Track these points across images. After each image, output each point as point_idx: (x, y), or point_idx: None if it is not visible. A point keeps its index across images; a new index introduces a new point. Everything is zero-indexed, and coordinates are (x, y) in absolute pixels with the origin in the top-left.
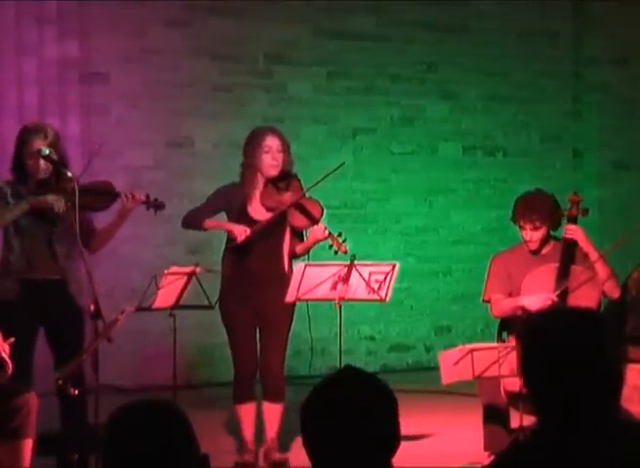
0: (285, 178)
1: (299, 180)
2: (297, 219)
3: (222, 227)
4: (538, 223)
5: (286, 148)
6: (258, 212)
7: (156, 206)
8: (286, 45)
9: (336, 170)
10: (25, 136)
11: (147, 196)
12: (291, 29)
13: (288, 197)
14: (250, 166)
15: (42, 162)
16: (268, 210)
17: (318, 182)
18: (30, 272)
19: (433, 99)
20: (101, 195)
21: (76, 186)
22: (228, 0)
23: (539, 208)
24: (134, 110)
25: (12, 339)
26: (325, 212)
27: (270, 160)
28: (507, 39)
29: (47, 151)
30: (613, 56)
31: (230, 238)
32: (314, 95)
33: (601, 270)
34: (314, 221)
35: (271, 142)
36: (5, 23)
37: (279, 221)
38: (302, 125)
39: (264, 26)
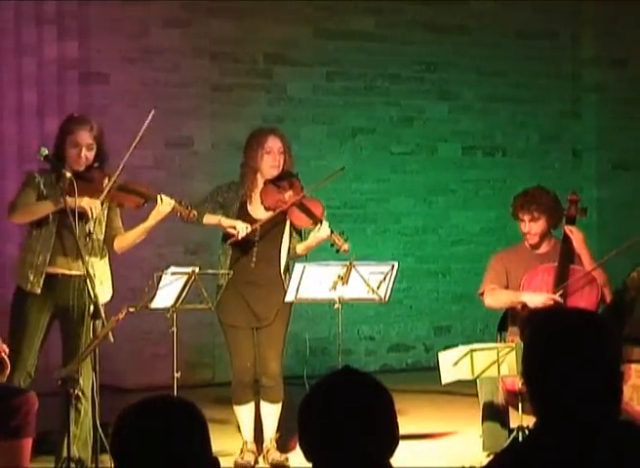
0: (285, 178)
1: (299, 180)
2: (298, 219)
3: (221, 224)
4: (536, 214)
5: (287, 149)
6: (258, 212)
7: (188, 215)
8: (286, 45)
9: (335, 173)
10: (71, 125)
11: (180, 202)
12: (291, 29)
13: (289, 196)
14: (250, 167)
15: (84, 153)
16: (268, 209)
17: (322, 183)
18: (52, 267)
19: (432, 100)
20: (134, 194)
21: (106, 188)
22: (228, 0)
23: (537, 199)
24: (134, 110)
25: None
26: (325, 211)
27: (271, 161)
28: (506, 39)
29: (46, 151)
30: (611, 56)
31: (227, 235)
32: (314, 95)
33: (599, 277)
34: (316, 221)
35: (273, 144)
36: (5, 23)
37: (279, 224)
38: (302, 125)
39: (264, 26)
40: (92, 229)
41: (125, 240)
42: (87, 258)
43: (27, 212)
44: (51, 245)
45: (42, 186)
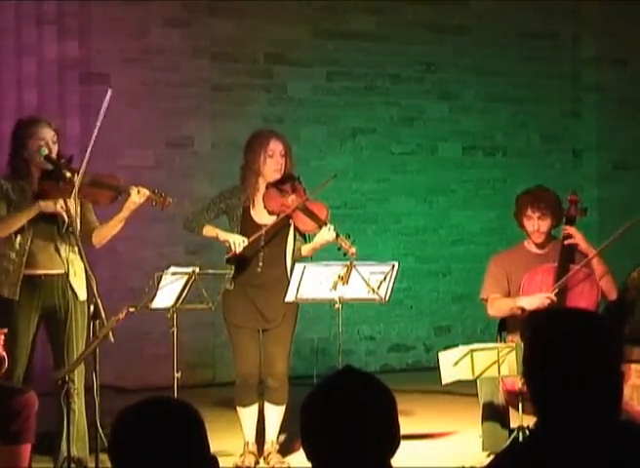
0: (288, 181)
1: (301, 183)
2: (303, 223)
3: (219, 237)
4: (545, 211)
5: (288, 151)
6: (261, 216)
7: (163, 203)
8: (286, 45)
9: (328, 180)
10: (29, 128)
11: (153, 191)
12: (291, 29)
13: (292, 200)
14: (252, 170)
15: (51, 148)
16: (272, 214)
17: (317, 190)
18: (32, 268)
19: (433, 100)
20: (106, 189)
21: (76, 184)
22: (229, 0)
23: (545, 198)
24: (134, 110)
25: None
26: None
27: (274, 165)
28: (507, 39)
29: (46, 151)
30: (611, 56)
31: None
32: (314, 95)
33: (598, 267)
34: (321, 224)
35: (275, 146)
36: (5, 23)
37: (283, 226)
38: (302, 125)
39: (264, 26)
40: (71, 226)
41: (101, 233)
42: (84, 258)
43: (3, 227)
44: (26, 249)
45: (11, 193)
